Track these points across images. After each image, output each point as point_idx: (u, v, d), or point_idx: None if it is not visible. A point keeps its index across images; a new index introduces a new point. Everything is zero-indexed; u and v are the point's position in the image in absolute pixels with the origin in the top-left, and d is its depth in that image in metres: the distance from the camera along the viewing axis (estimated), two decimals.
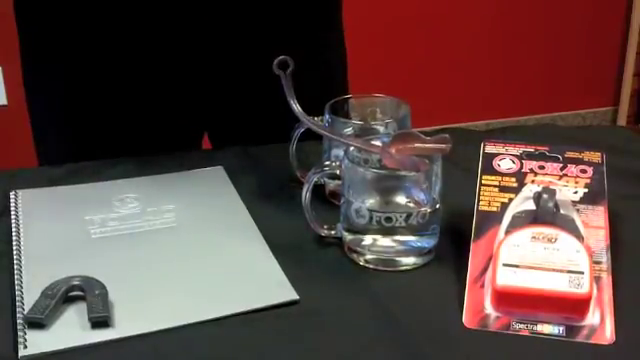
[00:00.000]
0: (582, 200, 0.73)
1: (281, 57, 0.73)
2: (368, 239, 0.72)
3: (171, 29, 0.94)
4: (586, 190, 0.74)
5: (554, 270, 0.65)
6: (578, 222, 0.71)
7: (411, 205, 0.72)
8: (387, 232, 0.71)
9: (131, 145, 0.99)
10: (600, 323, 0.64)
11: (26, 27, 0.99)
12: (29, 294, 0.66)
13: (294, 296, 0.67)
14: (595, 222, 0.72)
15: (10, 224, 0.78)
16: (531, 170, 0.76)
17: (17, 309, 0.65)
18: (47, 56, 0.99)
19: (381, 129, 0.81)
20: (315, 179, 0.74)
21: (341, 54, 1.11)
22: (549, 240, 0.67)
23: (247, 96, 1.03)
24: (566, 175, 0.75)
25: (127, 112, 1.00)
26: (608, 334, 0.63)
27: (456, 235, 0.75)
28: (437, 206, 0.72)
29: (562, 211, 0.71)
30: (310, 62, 0.98)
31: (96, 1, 0.94)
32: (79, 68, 0.98)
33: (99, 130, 1.00)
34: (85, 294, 0.66)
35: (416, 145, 0.70)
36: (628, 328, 0.64)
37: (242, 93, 1.03)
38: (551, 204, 0.70)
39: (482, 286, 0.68)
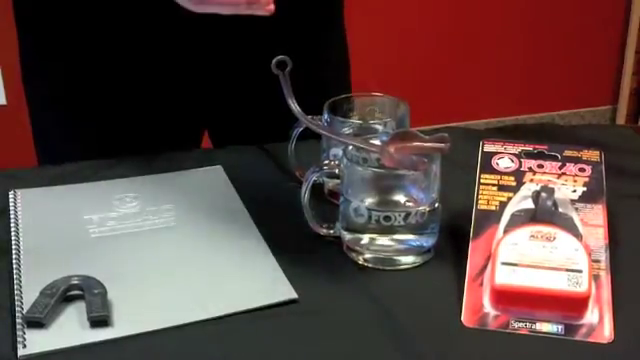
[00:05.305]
0: (581, 199, 0.73)
1: (279, 57, 0.73)
2: (367, 238, 0.72)
3: (171, 27, 0.94)
4: (585, 189, 0.74)
5: (553, 269, 0.65)
6: (577, 221, 0.71)
7: (410, 204, 0.72)
8: (386, 231, 0.71)
9: (131, 143, 0.99)
10: (599, 321, 0.64)
11: (25, 26, 0.99)
12: (28, 293, 0.66)
13: (293, 295, 0.67)
14: (594, 221, 0.72)
15: (9, 224, 0.78)
16: (530, 169, 0.76)
17: (16, 308, 0.65)
18: (46, 54, 0.99)
19: (380, 128, 0.81)
20: (314, 178, 0.74)
21: (342, 53, 1.11)
22: (548, 239, 0.67)
23: (247, 95, 1.03)
24: (565, 174, 0.75)
25: (127, 110, 1.00)
26: (607, 332, 0.63)
27: (455, 234, 0.75)
28: (436, 205, 0.72)
29: (561, 210, 0.71)
30: (311, 61, 0.98)
31: (95, 1, 0.94)
32: (78, 67, 0.98)
33: (99, 128, 1.00)
34: (84, 293, 0.66)
35: (415, 144, 0.70)
36: (627, 326, 0.64)
37: (242, 92, 1.03)
38: (550, 203, 0.70)
39: (481, 285, 0.68)
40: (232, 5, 0.67)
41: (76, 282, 0.67)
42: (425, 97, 2.57)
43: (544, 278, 0.65)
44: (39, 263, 0.72)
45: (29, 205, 0.81)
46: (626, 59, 2.97)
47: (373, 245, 0.72)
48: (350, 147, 0.73)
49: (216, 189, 0.86)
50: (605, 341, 0.63)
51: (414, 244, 0.72)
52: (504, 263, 0.66)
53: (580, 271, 0.65)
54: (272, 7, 0.66)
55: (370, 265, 0.72)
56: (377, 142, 0.73)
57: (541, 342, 0.63)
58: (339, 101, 0.84)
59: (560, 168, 0.76)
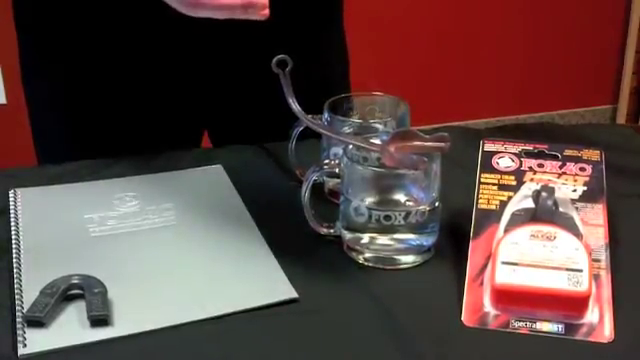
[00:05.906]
0: (581, 198, 0.73)
1: (280, 56, 0.73)
2: (367, 237, 0.72)
3: (171, 27, 0.94)
4: (585, 188, 0.74)
5: (553, 268, 0.65)
6: (577, 220, 0.71)
7: (410, 203, 0.72)
8: (386, 230, 0.71)
9: (131, 143, 0.99)
10: (599, 321, 0.64)
11: (25, 27, 0.99)
12: (28, 293, 0.66)
13: (293, 294, 0.67)
14: (594, 220, 0.72)
15: (9, 223, 0.78)
16: (530, 168, 0.76)
17: (16, 308, 0.65)
18: (46, 55, 0.99)
19: (380, 127, 0.81)
20: (314, 177, 0.74)
21: (342, 53, 1.11)
22: (548, 238, 0.67)
23: (247, 94, 1.03)
24: (565, 173, 0.75)
25: (127, 110, 1.00)
26: (607, 332, 0.63)
27: (455, 233, 0.75)
28: (436, 204, 0.72)
29: (561, 209, 0.71)
30: (311, 61, 0.98)
31: (95, 1, 0.94)
32: (78, 67, 0.98)
33: (99, 128, 1.00)
34: (84, 292, 0.66)
35: (415, 143, 0.70)
36: (627, 326, 0.64)
37: (242, 92, 1.03)
38: (550, 202, 0.70)
39: (481, 284, 0.68)
40: (227, 9, 0.66)
41: (76, 281, 0.67)
42: (425, 97, 2.57)
43: (544, 277, 0.64)
44: (39, 262, 0.72)
45: (29, 204, 0.81)
46: (626, 59, 2.97)
47: (373, 244, 0.72)
48: (350, 146, 0.73)
49: (216, 188, 0.86)
50: (605, 340, 0.63)
51: (414, 243, 0.72)
52: (504, 262, 0.66)
53: (580, 270, 0.65)
54: (267, 11, 0.66)
55: (370, 264, 0.72)
56: (377, 141, 0.73)
57: (541, 341, 0.63)
58: (339, 100, 0.84)
59: (560, 167, 0.76)
